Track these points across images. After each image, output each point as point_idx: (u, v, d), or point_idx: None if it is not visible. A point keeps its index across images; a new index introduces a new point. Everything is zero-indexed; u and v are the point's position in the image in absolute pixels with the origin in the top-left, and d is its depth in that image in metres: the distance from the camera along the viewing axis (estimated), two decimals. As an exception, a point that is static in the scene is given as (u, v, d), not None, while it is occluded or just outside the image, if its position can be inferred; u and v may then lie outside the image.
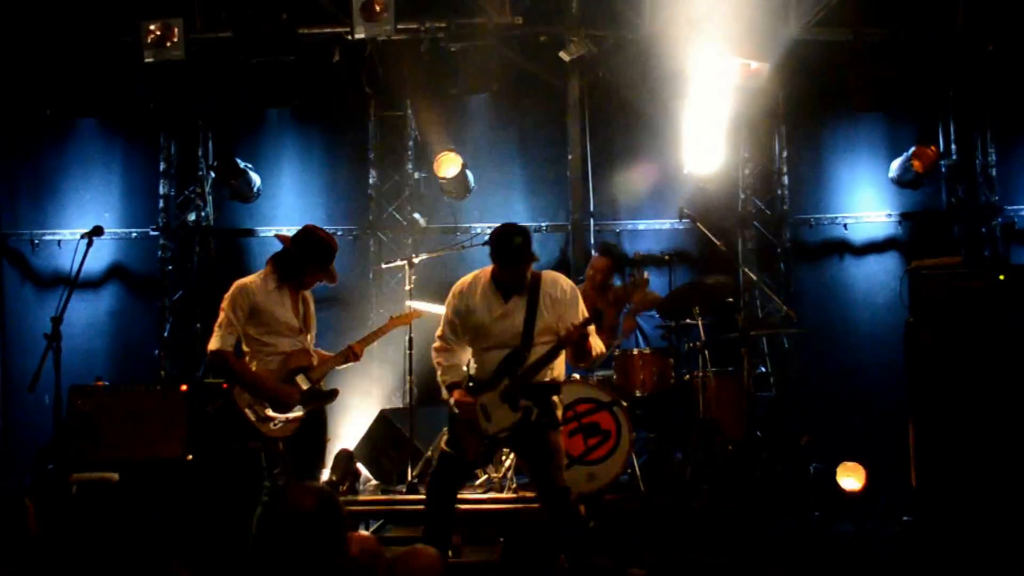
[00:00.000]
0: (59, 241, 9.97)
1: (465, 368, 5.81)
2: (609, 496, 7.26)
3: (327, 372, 6.15)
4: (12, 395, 9.82)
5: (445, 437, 5.84)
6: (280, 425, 5.81)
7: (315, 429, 6.04)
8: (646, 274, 7.99)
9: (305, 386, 5.97)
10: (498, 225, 5.71)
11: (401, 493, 7.65)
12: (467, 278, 5.82)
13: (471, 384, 5.70)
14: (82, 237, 5.98)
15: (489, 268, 5.76)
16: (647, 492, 7.35)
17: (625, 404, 7.39)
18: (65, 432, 7.59)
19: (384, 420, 8.30)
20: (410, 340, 8.15)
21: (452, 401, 5.63)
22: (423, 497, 7.22)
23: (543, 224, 9.96)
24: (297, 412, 5.88)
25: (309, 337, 6.11)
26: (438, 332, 5.81)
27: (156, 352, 9.81)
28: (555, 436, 5.67)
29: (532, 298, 5.60)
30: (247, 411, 5.77)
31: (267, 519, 3.06)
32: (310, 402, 5.97)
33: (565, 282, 5.76)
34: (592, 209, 9.90)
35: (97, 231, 6.04)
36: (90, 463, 7.56)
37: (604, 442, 7.28)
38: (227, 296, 5.84)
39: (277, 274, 5.94)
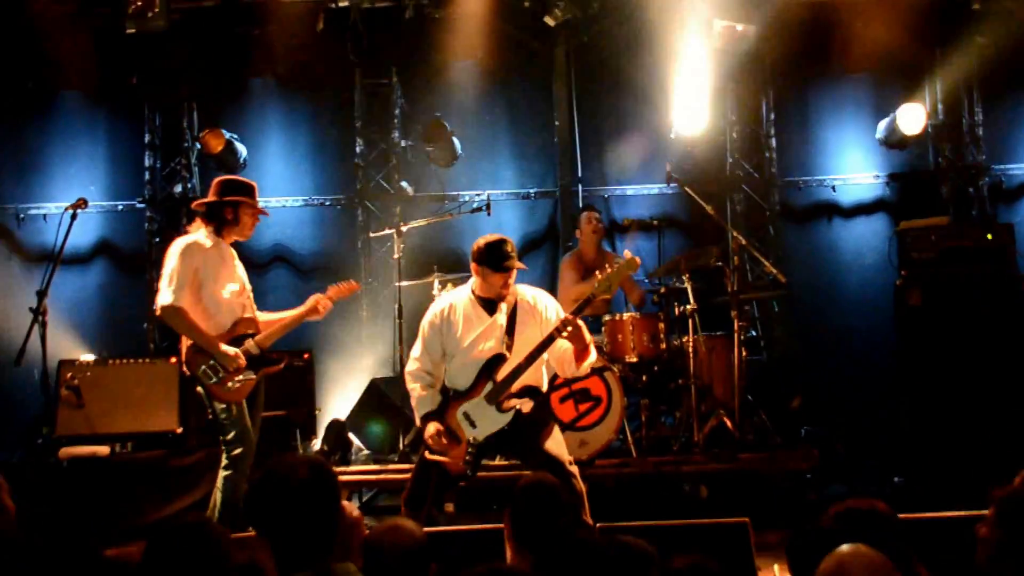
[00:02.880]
0: (44, 215, 9.82)
1: (437, 389, 5.66)
2: (601, 461, 7.22)
3: (275, 339, 6.06)
4: (2, 372, 9.65)
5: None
6: (236, 386, 5.75)
7: (257, 397, 6.00)
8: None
9: (255, 352, 5.91)
10: (480, 237, 5.53)
11: (393, 462, 7.61)
12: (442, 303, 5.66)
13: (450, 395, 5.55)
14: (66, 210, 5.94)
15: (464, 288, 5.66)
16: (639, 457, 7.31)
17: (616, 369, 7.33)
18: (54, 406, 7.50)
19: (375, 389, 8.26)
20: (399, 309, 8.11)
21: (430, 433, 5.39)
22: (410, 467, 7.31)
23: (531, 191, 9.89)
24: (249, 375, 5.82)
25: (250, 299, 6.07)
26: (414, 355, 5.63)
27: (144, 325, 9.71)
28: (551, 430, 5.51)
29: (513, 310, 5.51)
30: (201, 372, 5.71)
31: (259, 490, 2.97)
32: (260, 367, 5.91)
33: (542, 293, 5.67)
34: (580, 175, 9.84)
35: (81, 203, 6.04)
36: (80, 438, 7.52)
37: (595, 408, 7.23)
38: (174, 253, 5.74)
39: (214, 229, 5.87)
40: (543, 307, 5.56)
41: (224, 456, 5.78)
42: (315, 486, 2.96)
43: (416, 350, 5.63)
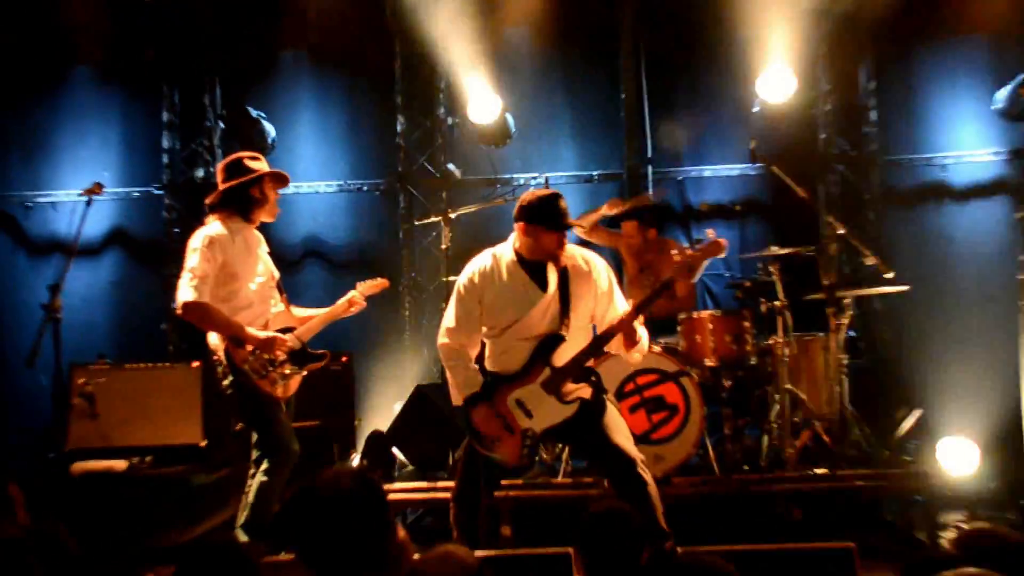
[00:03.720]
0: (54, 203, 9.98)
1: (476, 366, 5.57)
2: (678, 479, 7.14)
3: (312, 334, 6.14)
4: (5, 375, 9.82)
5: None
6: (280, 384, 5.82)
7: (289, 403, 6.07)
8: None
9: (297, 346, 5.97)
10: (527, 192, 5.47)
11: (442, 479, 7.56)
12: (483, 259, 5.50)
13: (494, 379, 5.41)
14: (80, 195, 6.01)
15: (505, 247, 5.51)
16: (722, 474, 7.22)
17: (694, 374, 7.24)
18: (66, 416, 7.58)
19: (421, 397, 8.23)
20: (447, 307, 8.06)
21: (479, 418, 5.31)
22: None
23: (594, 173, 9.89)
24: (296, 369, 5.91)
25: (280, 289, 6.13)
26: (448, 324, 5.48)
27: (163, 325, 9.81)
28: (614, 416, 5.39)
29: (563, 275, 5.38)
30: (245, 366, 5.74)
31: (298, 506, 2.98)
32: (305, 363, 5.98)
33: (592, 255, 5.55)
34: (650, 154, 9.80)
35: (96, 188, 6.12)
36: (94, 451, 7.56)
37: (671, 418, 7.15)
38: (197, 246, 5.74)
39: (236, 215, 5.90)
40: (597, 272, 5.44)
41: (264, 461, 5.81)
42: (363, 502, 2.95)
43: (449, 318, 5.48)
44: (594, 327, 5.49)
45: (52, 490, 7.03)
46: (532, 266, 5.38)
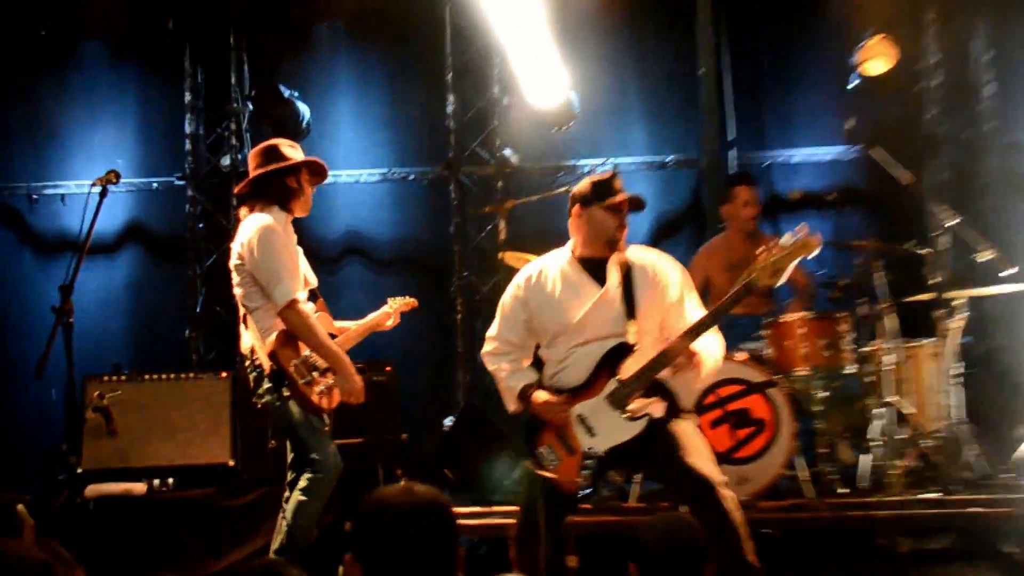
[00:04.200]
0: (63, 195, 10.06)
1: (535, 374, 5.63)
2: (765, 504, 7.14)
3: (350, 346, 6.26)
4: (11, 387, 9.91)
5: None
6: (329, 393, 5.89)
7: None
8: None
9: None
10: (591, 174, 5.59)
11: (497, 503, 7.59)
12: (528, 268, 5.67)
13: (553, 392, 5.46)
14: (93, 185, 5.98)
15: (560, 251, 5.65)
16: (816, 498, 7.20)
17: (783, 385, 7.26)
18: (78, 433, 7.63)
19: (473, 412, 8.35)
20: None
21: (540, 402, 5.37)
22: None
23: (668, 159, 9.92)
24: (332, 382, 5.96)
25: (315, 297, 6.20)
26: (491, 333, 5.68)
27: (187, 332, 9.91)
28: (691, 435, 5.37)
29: (627, 274, 5.43)
30: (292, 369, 5.80)
31: (367, 527, 2.99)
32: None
33: (660, 254, 5.63)
34: (732, 137, 9.81)
35: (112, 177, 6.06)
36: (111, 472, 7.68)
37: (757, 434, 7.17)
38: (263, 237, 5.83)
39: (272, 205, 6.00)
40: (666, 277, 5.48)
41: (302, 478, 5.88)
42: (435, 525, 3.00)
43: (492, 329, 5.67)
44: None
45: (63, 516, 7.11)
46: (590, 263, 5.49)
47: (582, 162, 9.75)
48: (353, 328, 6.31)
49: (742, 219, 8.37)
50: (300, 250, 6.18)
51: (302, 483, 5.86)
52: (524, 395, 5.45)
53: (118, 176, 6.14)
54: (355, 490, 6.28)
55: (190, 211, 10.09)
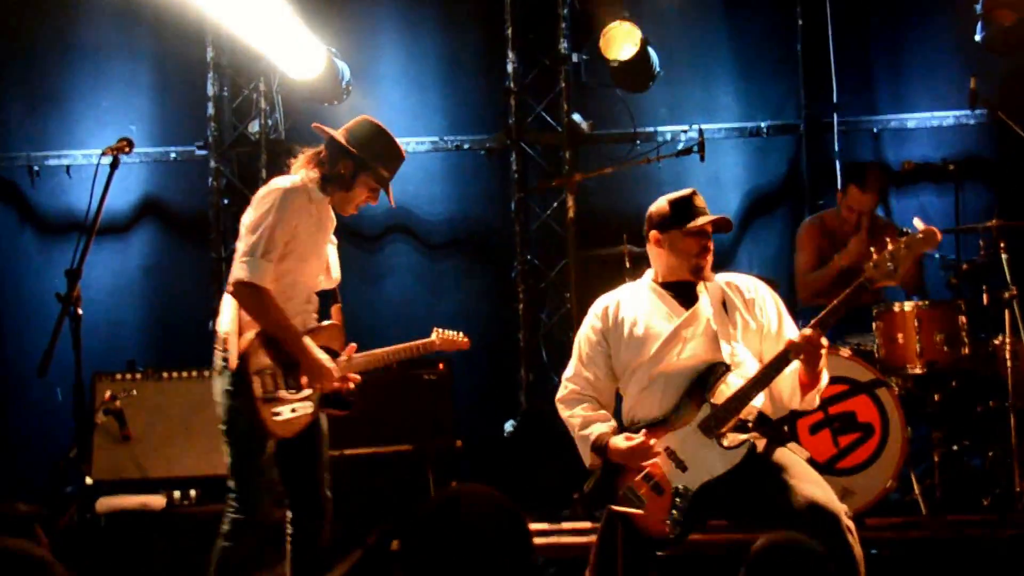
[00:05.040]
0: (68, 167, 10.25)
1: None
2: (872, 520, 7.19)
3: (367, 368, 6.11)
4: (11, 387, 10.07)
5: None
6: (286, 418, 5.68)
7: (313, 440, 5.94)
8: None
9: (348, 388, 5.97)
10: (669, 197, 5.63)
11: (564, 519, 7.76)
12: (609, 297, 5.76)
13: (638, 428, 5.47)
14: (103, 155, 5.84)
15: (642, 280, 5.77)
16: (932, 515, 7.30)
17: (894, 384, 7.35)
18: (88, 438, 7.77)
19: (536, 415, 8.51)
20: (572, 296, 8.39)
21: (622, 449, 5.36)
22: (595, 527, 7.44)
23: (763, 124, 10.04)
24: (307, 408, 5.79)
25: (335, 299, 6.12)
26: (567, 375, 5.75)
27: (210, 324, 9.91)
28: (800, 465, 5.34)
29: (719, 297, 5.54)
30: (256, 379, 5.60)
31: (432, 535, 3.16)
32: (324, 404, 5.91)
33: (747, 277, 5.74)
34: (836, 100, 9.86)
35: (124, 146, 5.89)
36: (125, 483, 7.87)
37: (864, 441, 7.24)
38: (269, 199, 5.71)
39: (320, 178, 5.89)
40: (762, 299, 5.60)
41: (225, 515, 5.76)
42: (509, 533, 3.17)
43: (568, 370, 5.77)
44: None
45: (71, 534, 7.20)
46: (675, 288, 5.62)
47: (663, 128, 9.88)
48: (380, 352, 6.16)
49: (857, 204, 8.46)
50: (334, 225, 6.08)
51: (224, 524, 5.74)
52: (599, 446, 5.46)
53: (131, 144, 5.98)
54: (403, 505, 6.47)
55: (213, 185, 10.20)
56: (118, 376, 8.22)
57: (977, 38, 9.16)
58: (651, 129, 9.96)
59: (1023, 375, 7.53)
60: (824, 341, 5.22)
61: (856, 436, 7.25)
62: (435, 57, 10.29)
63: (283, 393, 5.66)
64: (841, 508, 5.11)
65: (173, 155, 10.41)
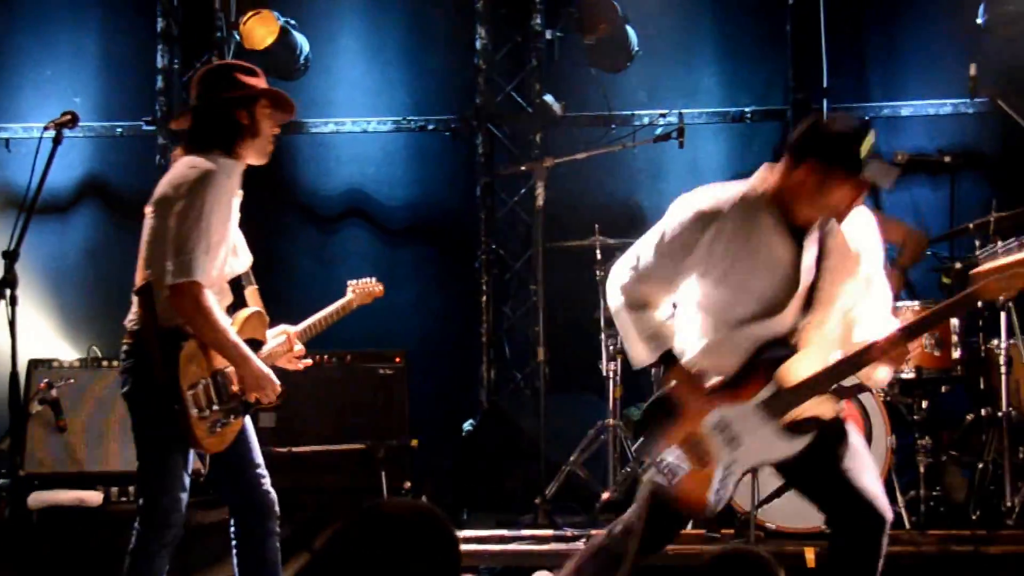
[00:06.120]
0: (7, 140, 10.16)
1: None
2: None
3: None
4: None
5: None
6: (218, 432, 5.47)
7: (242, 438, 5.67)
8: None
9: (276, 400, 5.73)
10: (813, 119, 5.05)
11: (525, 525, 7.70)
12: (720, 195, 5.02)
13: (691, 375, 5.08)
14: (45, 129, 5.69)
15: (759, 192, 5.03)
16: (916, 530, 7.27)
17: (879, 390, 7.26)
18: (21, 429, 7.58)
19: (498, 414, 8.53)
20: (540, 291, 8.23)
21: (692, 376, 4.99)
22: (562, 533, 7.40)
23: (747, 109, 10.01)
24: (238, 414, 5.58)
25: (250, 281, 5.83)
26: (634, 267, 5.12)
27: None
28: (855, 434, 5.14)
29: (821, 248, 5.01)
30: (189, 396, 5.33)
31: (349, 551, 3.04)
32: (249, 407, 5.67)
33: (867, 212, 5.16)
34: (826, 84, 9.80)
35: (68, 120, 5.77)
36: (60, 477, 7.78)
37: None
38: (201, 189, 5.36)
39: (220, 148, 5.53)
40: (868, 243, 5.09)
41: (135, 531, 5.52)
42: (432, 549, 3.02)
43: (643, 263, 5.09)
44: None
45: (2, 528, 7.23)
46: (795, 230, 5.01)
47: (640, 112, 9.79)
48: (307, 324, 5.99)
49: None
50: (237, 216, 5.70)
51: (132, 540, 5.47)
52: (671, 359, 5.03)
53: (75, 118, 5.84)
54: (354, 507, 6.36)
55: (161, 162, 10.06)
56: (55, 363, 8.13)
57: (979, 21, 9.13)
58: (628, 112, 9.87)
59: (1018, 382, 7.50)
60: (912, 346, 4.93)
61: None
62: (400, 31, 10.25)
63: (217, 406, 5.42)
64: (890, 515, 4.99)
65: (120, 130, 10.37)
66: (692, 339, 5.08)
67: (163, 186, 5.46)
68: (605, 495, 7.75)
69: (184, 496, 5.49)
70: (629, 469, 7.75)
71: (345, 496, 7.36)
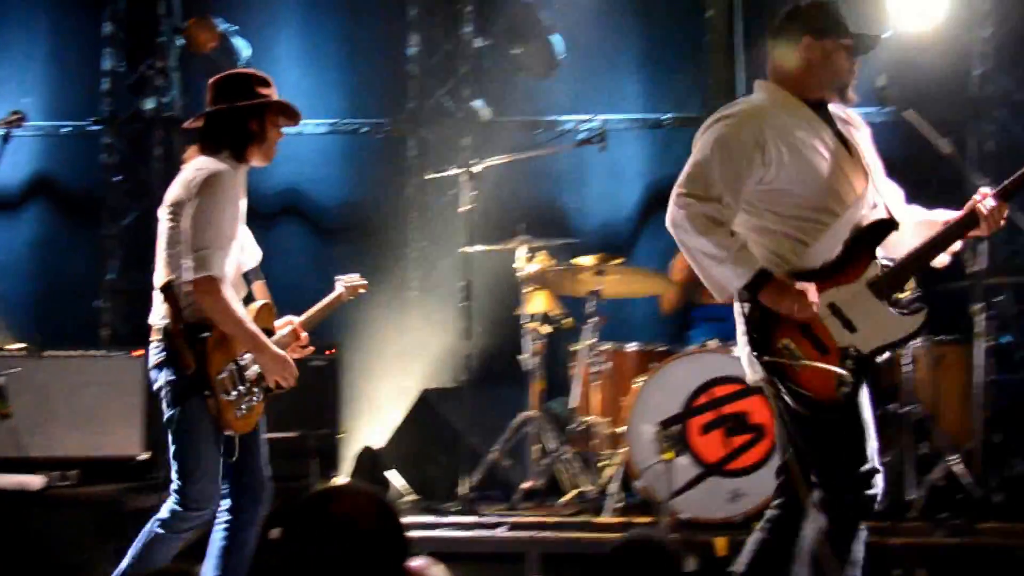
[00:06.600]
0: (-44, 139, 10.06)
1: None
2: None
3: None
4: None
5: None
6: (244, 414, 5.56)
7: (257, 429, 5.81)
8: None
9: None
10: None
11: (450, 512, 7.65)
12: (758, 98, 4.95)
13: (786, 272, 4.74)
14: None
15: (769, 91, 4.96)
16: (823, 520, 7.17)
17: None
18: None
19: (426, 406, 8.35)
20: (467, 288, 8.12)
21: (790, 288, 4.60)
22: (484, 520, 7.36)
23: (664, 117, 10.01)
24: (260, 397, 5.65)
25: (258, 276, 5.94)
26: (687, 191, 4.71)
27: (97, 302, 9.93)
28: None
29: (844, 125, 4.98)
30: (218, 380, 5.46)
31: (299, 535, 2.97)
32: (268, 393, 5.73)
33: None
34: (741, 93, 9.59)
35: (16, 119, 5.99)
36: (3, 462, 7.64)
37: (755, 443, 7.10)
38: (206, 185, 5.42)
39: (225, 152, 5.61)
40: (864, 131, 5.08)
41: (167, 507, 5.56)
42: (381, 537, 2.97)
43: (699, 182, 4.71)
44: None
45: None
46: (818, 110, 4.91)
47: (564, 118, 9.75)
48: (306, 317, 6.06)
49: None
50: (244, 213, 5.83)
51: (164, 512, 5.56)
52: (760, 281, 4.60)
53: (23, 118, 6.05)
54: (285, 495, 6.28)
55: (106, 161, 10.14)
56: (1, 352, 8.08)
57: (885, 36, 9.07)
58: (553, 118, 9.86)
59: (923, 381, 7.49)
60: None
61: (748, 438, 7.12)
62: (336, 38, 10.26)
63: (242, 389, 5.51)
64: None
65: (66, 130, 10.32)
66: (782, 253, 4.76)
67: (175, 189, 5.53)
68: (526, 484, 7.69)
69: (218, 481, 5.55)
70: (548, 461, 7.73)
71: (275, 484, 7.17)
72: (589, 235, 9.37)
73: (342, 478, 8.28)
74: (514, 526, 7.15)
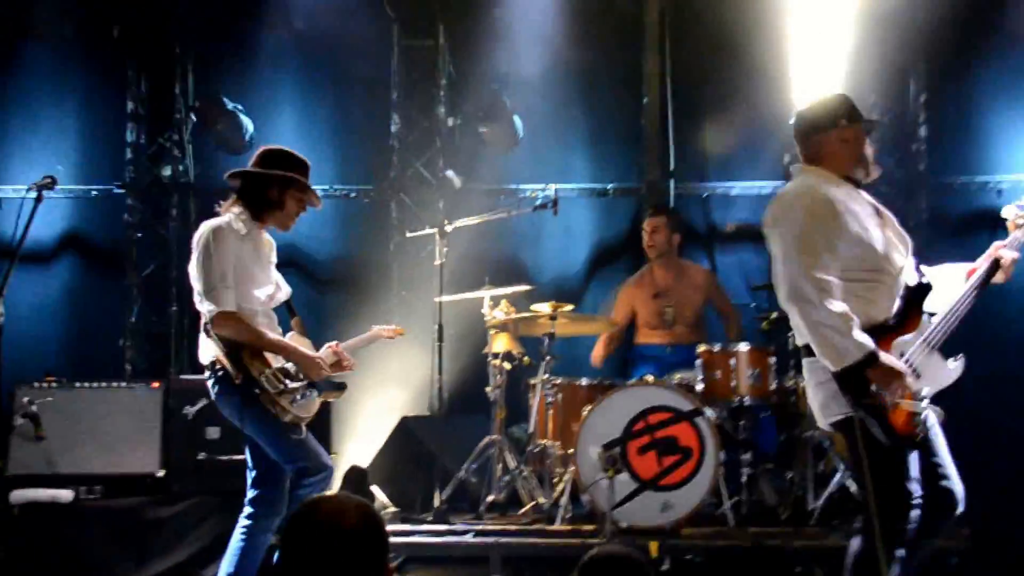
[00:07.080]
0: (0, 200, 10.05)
1: None
2: (688, 530, 7.25)
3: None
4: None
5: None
6: (300, 403, 5.72)
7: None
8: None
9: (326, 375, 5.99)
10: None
11: (426, 522, 7.70)
12: (819, 179, 4.87)
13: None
14: (29, 190, 5.83)
15: (818, 175, 4.92)
16: (738, 527, 7.34)
17: (712, 415, 7.37)
18: (6, 438, 7.70)
19: (405, 431, 8.40)
20: (439, 330, 8.31)
21: (891, 365, 4.59)
22: (454, 528, 7.42)
23: (609, 186, 10.14)
24: (314, 392, 5.84)
25: (291, 311, 6.12)
26: (817, 268, 4.60)
27: (121, 341, 9.99)
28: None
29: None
30: (264, 381, 5.63)
31: (295, 537, 3.03)
32: (323, 390, 5.94)
33: None
34: (672, 167, 9.95)
35: (49, 183, 5.90)
36: (38, 478, 7.69)
37: (683, 462, 7.25)
38: (207, 240, 5.66)
39: (250, 211, 5.85)
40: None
41: (251, 505, 5.76)
42: (367, 541, 2.97)
43: (816, 263, 4.61)
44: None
45: None
46: (854, 185, 4.95)
47: (523, 186, 9.70)
48: (348, 344, 6.30)
49: (647, 249, 8.68)
50: (273, 249, 6.07)
51: (248, 512, 5.73)
52: (872, 359, 4.54)
53: (55, 181, 5.99)
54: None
55: (128, 220, 10.18)
56: (36, 384, 8.04)
57: (790, 121, 9.24)
58: (514, 186, 9.88)
59: None
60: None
61: (677, 458, 7.26)
62: (328, 117, 10.27)
63: (289, 383, 5.71)
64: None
65: (94, 193, 10.35)
66: (852, 309, 4.62)
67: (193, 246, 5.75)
68: (490, 498, 7.74)
69: (316, 445, 5.86)
70: (508, 477, 7.79)
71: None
72: (544, 285, 9.29)
73: (333, 491, 8.28)
74: (480, 533, 7.20)
